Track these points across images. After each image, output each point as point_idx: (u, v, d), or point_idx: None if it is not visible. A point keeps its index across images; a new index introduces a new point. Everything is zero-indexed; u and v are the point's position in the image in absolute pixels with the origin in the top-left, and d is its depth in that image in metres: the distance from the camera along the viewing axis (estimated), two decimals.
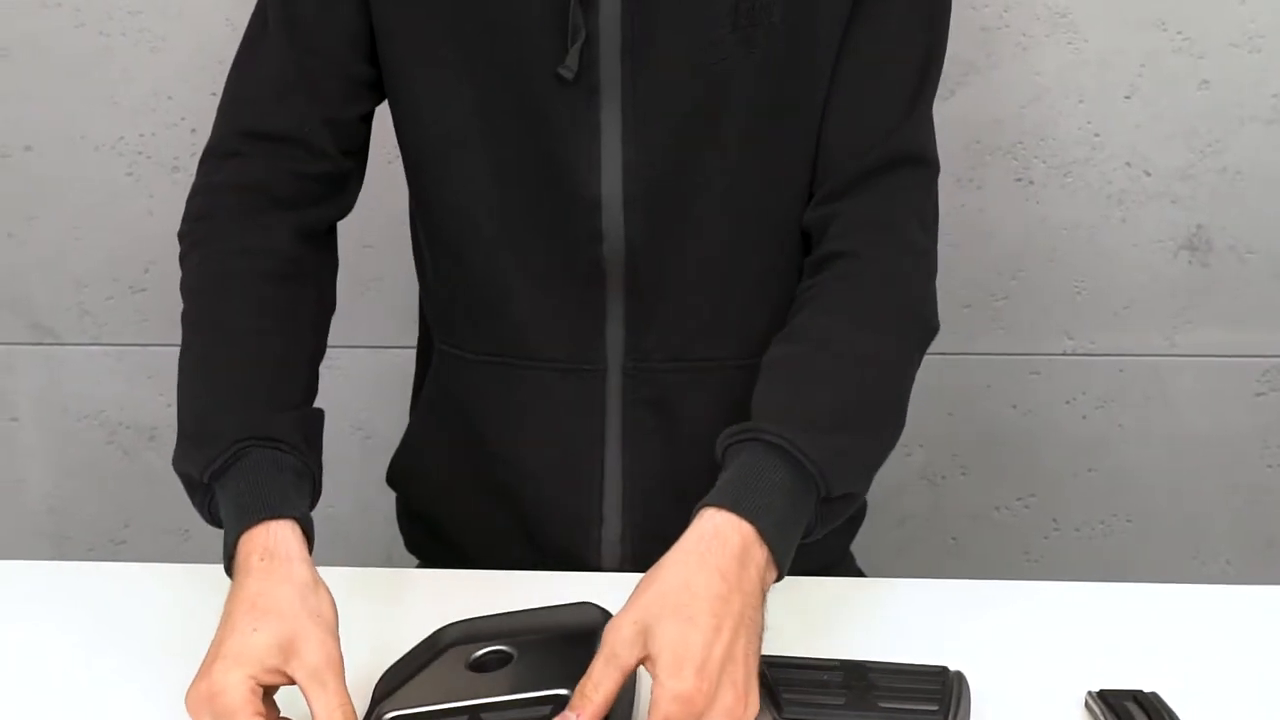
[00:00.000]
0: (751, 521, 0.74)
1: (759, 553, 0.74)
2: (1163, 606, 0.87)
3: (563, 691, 0.70)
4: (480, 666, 0.74)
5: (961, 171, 1.36)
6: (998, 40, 1.32)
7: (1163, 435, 1.47)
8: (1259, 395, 1.44)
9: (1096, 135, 1.35)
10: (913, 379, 0.92)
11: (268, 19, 0.95)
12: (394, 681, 0.74)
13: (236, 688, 0.70)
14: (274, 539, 0.77)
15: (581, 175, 0.91)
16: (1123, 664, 0.79)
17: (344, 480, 1.55)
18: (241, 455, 0.81)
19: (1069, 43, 1.32)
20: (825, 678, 0.73)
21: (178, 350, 1.48)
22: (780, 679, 0.72)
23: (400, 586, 0.92)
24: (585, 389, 0.96)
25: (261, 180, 0.94)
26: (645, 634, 0.69)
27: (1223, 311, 1.41)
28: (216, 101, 1.39)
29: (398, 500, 1.13)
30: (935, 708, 0.71)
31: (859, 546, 1.12)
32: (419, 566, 1.09)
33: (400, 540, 1.14)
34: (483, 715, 0.70)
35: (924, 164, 0.95)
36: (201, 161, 0.97)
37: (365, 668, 0.76)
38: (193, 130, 1.40)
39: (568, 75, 0.87)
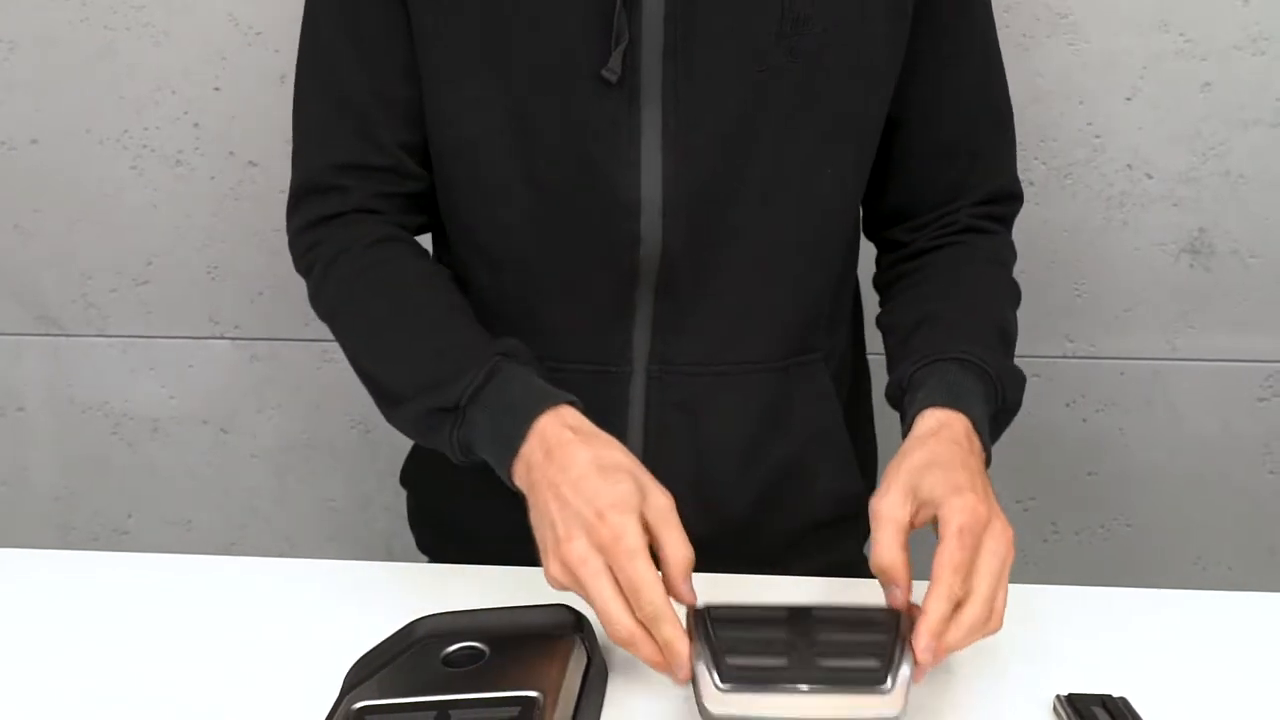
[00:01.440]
0: (966, 414, 0.84)
1: (976, 439, 0.84)
2: (1142, 611, 0.86)
3: (532, 693, 0.71)
4: (452, 662, 0.75)
5: None
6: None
7: (1164, 439, 1.46)
8: (1261, 400, 1.43)
9: (1098, 137, 1.34)
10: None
11: (330, 43, 0.95)
12: (365, 671, 0.74)
13: (635, 530, 0.75)
14: (575, 418, 0.83)
15: (620, 179, 0.90)
16: (1100, 669, 0.78)
17: (344, 474, 1.56)
18: (499, 369, 0.86)
19: (1070, 44, 1.31)
20: (769, 636, 0.72)
21: (180, 343, 1.51)
22: (722, 638, 0.72)
23: (397, 579, 0.92)
24: (609, 391, 0.95)
25: (364, 205, 0.96)
26: (911, 492, 0.79)
27: (1225, 316, 1.40)
28: (219, 96, 1.41)
29: (408, 500, 1.13)
30: (876, 664, 0.71)
31: None
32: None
33: (400, 533, 1.15)
34: (451, 712, 0.70)
35: (1018, 200, 1.06)
36: (298, 198, 0.99)
37: (354, 658, 0.77)
38: (195, 124, 1.41)
39: (611, 78, 0.87)
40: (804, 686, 0.69)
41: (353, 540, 1.58)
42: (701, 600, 0.75)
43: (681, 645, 0.72)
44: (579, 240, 0.92)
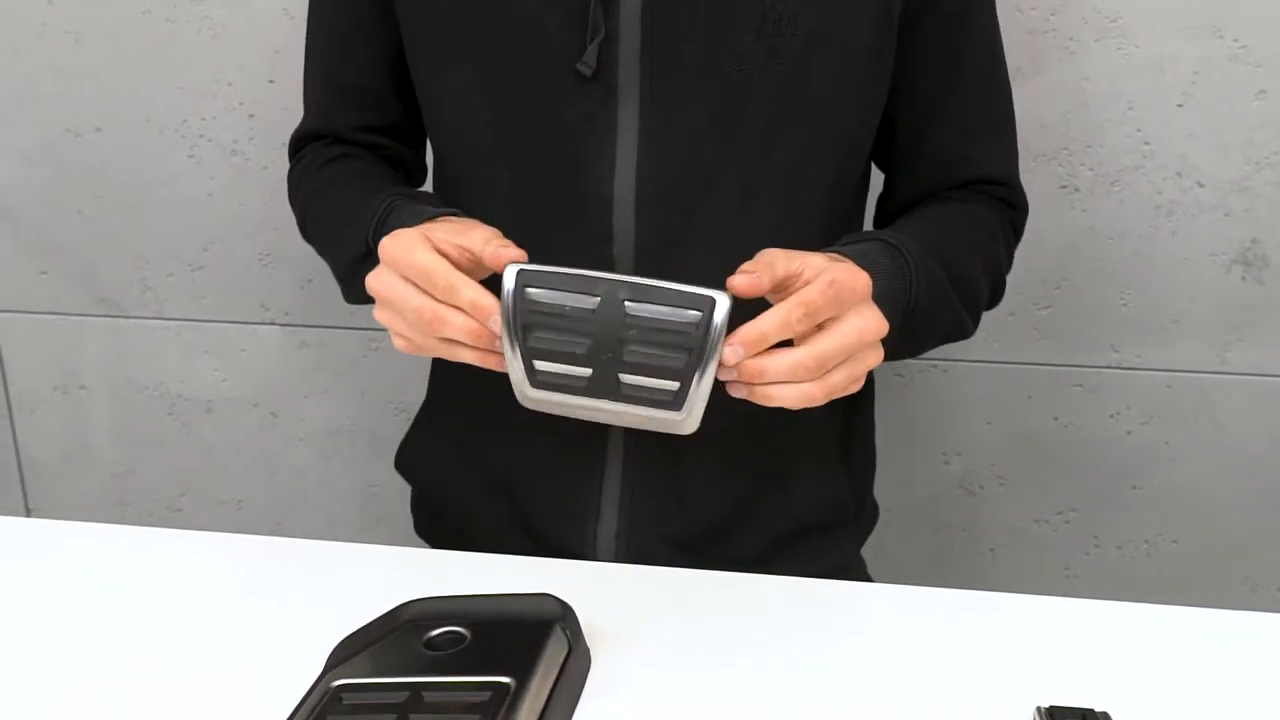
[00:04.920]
0: (868, 271, 0.81)
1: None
2: (1128, 625, 0.84)
3: (506, 680, 0.72)
4: (434, 645, 0.76)
5: None
6: (1044, 44, 1.29)
7: (1211, 455, 1.42)
8: None
9: (1146, 144, 1.31)
10: (1005, 263, 1.02)
11: (311, 27, 1.04)
12: (348, 651, 0.76)
13: (414, 238, 0.80)
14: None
15: (595, 173, 0.91)
16: (1082, 683, 0.77)
17: (387, 460, 1.59)
18: (394, 206, 0.90)
19: (1119, 48, 1.28)
20: (578, 340, 0.75)
21: (233, 327, 1.55)
22: (534, 337, 0.76)
23: (393, 562, 0.94)
24: None
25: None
26: (801, 259, 0.78)
27: (1277, 330, 1.36)
28: (274, 88, 1.45)
29: (412, 486, 1.16)
30: (675, 387, 0.74)
31: (892, 553, 1.11)
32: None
33: None
34: (424, 694, 0.71)
35: (1022, 210, 1.04)
36: (295, 142, 1.10)
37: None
38: (251, 115, 1.45)
39: (585, 71, 0.88)
40: (605, 403, 0.76)
41: (393, 525, 1.61)
42: (516, 268, 0.77)
43: (485, 299, 0.77)
44: (556, 234, 0.93)
